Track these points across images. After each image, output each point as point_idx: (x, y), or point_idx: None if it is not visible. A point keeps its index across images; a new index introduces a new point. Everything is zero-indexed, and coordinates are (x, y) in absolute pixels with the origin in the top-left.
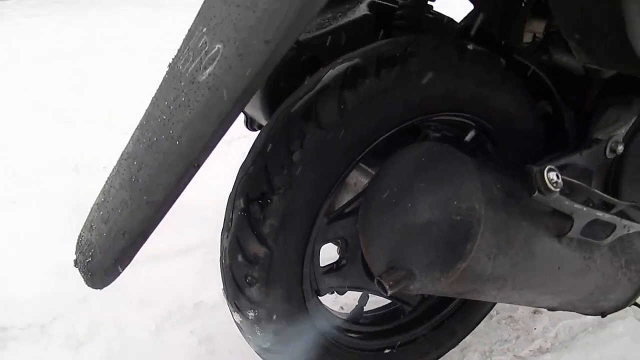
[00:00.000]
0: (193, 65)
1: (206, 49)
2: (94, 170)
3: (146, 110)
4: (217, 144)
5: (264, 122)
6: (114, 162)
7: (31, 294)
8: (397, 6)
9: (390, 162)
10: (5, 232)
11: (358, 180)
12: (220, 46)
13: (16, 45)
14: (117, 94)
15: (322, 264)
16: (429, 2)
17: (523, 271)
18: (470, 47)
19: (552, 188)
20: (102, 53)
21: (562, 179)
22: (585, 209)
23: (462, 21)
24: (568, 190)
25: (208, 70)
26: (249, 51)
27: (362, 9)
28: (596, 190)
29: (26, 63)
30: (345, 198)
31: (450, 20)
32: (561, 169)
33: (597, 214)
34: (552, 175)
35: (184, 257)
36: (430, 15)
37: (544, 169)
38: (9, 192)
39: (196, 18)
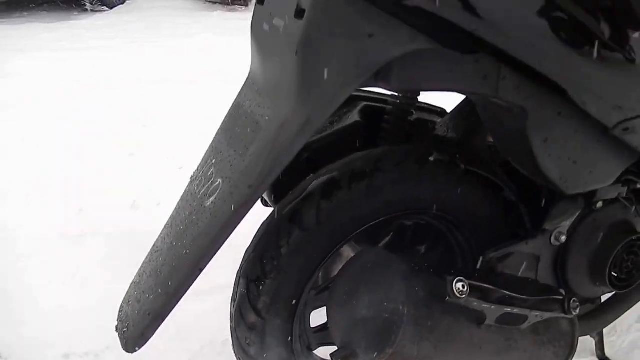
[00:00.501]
0: (203, 190)
1: (212, 179)
2: (150, 207)
3: (173, 212)
4: (215, 254)
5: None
6: (167, 199)
7: (89, 325)
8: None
9: (347, 264)
10: (70, 266)
11: (349, 254)
12: (220, 181)
13: (92, 71)
14: (180, 127)
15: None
16: (416, 99)
17: (446, 352)
18: (432, 158)
19: (459, 296)
20: (168, 81)
21: (470, 285)
22: (493, 307)
23: (439, 125)
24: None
25: (211, 199)
26: (237, 192)
27: (354, 115)
28: (504, 291)
29: (102, 88)
30: (336, 270)
31: (432, 121)
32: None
33: (506, 309)
34: (459, 285)
35: (220, 295)
36: (415, 116)
37: (454, 280)
38: (75, 226)
39: (211, 145)
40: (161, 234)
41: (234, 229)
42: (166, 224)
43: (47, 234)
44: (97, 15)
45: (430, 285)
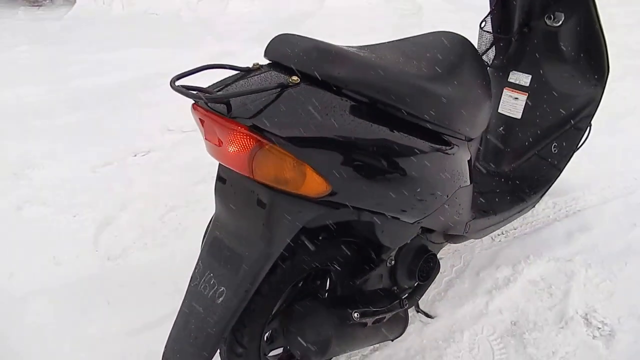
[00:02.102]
0: (211, 293)
1: (216, 287)
2: None
3: (184, 306)
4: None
5: None
6: None
7: None
8: None
9: None
10: None
11: None
12: (224, 288)
13: None
14: None
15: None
16: None
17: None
18: None
19: (355, 318)
20: None
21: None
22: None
23: None
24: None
25: (221, 299)
26: (238, 294)
27: None
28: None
29: None
30: None
31: None
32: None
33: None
34: (355, 314)
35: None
36: None
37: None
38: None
39: (202, 263)
40: (180, 319)
41: (239, 314)
42: (181, 314)
43: None
44: None
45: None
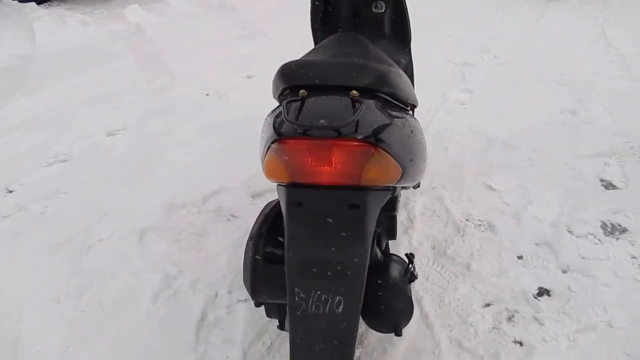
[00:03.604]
0: (328, 307)
1: (330, 300)
2: None
3: (304, 327)
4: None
5: None
6: None
7: None
8: None
9: None
10: None
11: None
12: (339, 298)
13: None
14: None
15: None
16: None
17: None
18: None
19: None
20: None
21: None
22: None
23: None
24: None
25: (341, 306)
26: (353, 301)
27: None
28: None
29: None
30: None
31: None
32: None
33: None
34: None
35: None
36: None
37: None
38: None
39: (300, 287)
40: (300, 349)
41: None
42: (300, 344)
43: None
44: None
45: None
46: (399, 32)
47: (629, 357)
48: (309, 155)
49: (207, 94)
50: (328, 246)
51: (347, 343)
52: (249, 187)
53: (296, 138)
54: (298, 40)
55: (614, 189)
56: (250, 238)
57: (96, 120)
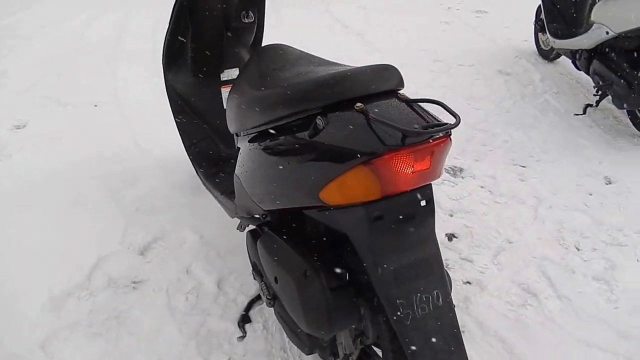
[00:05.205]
0: (431, 304)
1: (430, 297)
2: None
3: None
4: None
5: None
6: None
7: None
8: None
9: None
10: None
11: None
12: (436, 291)
13: None
14: None
15: None
16: None
17: None
18: None
19: None
20: None
21: None
22: None
23: None
24: None
25: (441, 298)
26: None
27: None
28: None
29: None
30: None
31: None
32: None
33: None
34: None
35: None
36: None
37: None
38: None
39: (402, 296)
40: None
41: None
42: (417, 353)
43: None
44: None
45: None
46: (258, 35)
47: None
48: (413, 162)
49: None
50: (413, 248)
51: (456, 327)
52: (130, 245)
53: (402, 148)
54: None
55: None
56: (304, 275)
57: None
